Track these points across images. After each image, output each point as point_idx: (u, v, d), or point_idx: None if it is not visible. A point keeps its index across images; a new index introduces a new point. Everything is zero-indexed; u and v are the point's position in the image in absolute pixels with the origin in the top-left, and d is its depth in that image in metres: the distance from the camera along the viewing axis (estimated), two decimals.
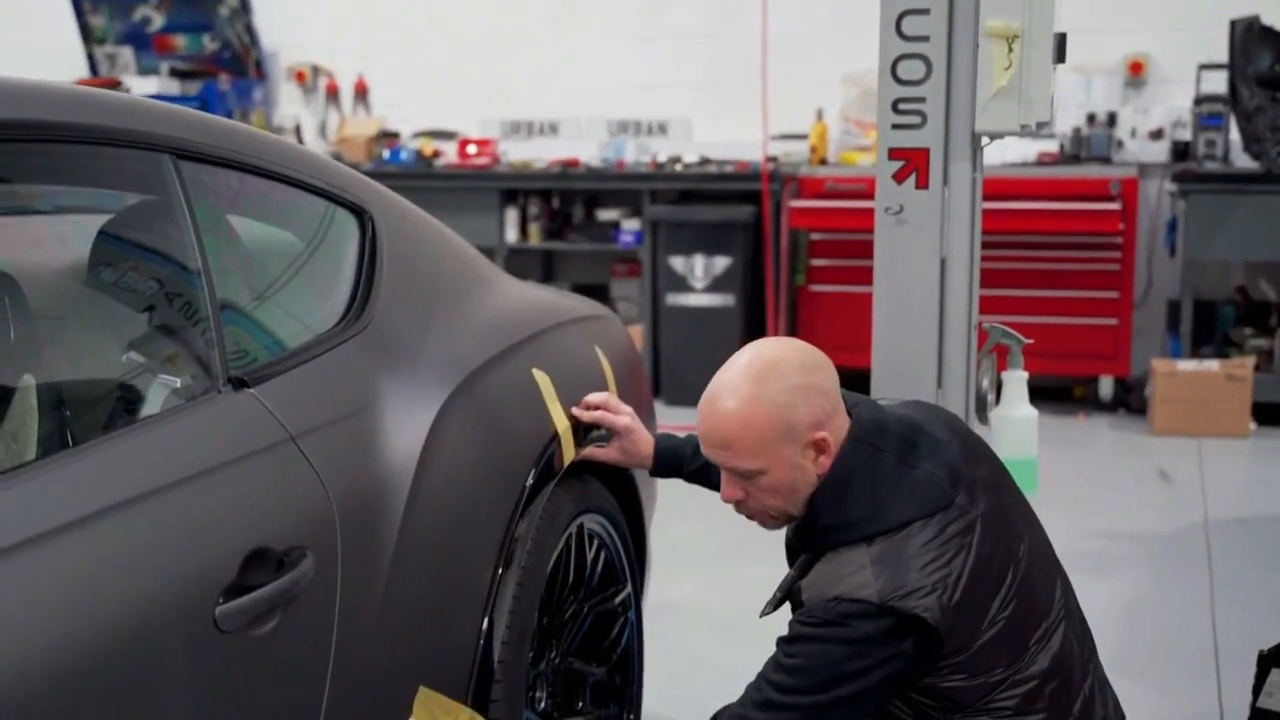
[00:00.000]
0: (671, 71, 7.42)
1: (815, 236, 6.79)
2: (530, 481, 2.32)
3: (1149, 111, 6.86)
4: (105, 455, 1.61)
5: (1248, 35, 5.97)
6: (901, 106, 2.72)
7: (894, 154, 2.75)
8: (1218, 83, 6.41)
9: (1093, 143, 6.76)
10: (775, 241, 6.82)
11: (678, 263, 6.81)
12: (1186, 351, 6.46)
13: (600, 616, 2.68)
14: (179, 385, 1.81)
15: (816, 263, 6.83)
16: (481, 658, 2.18)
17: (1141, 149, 6.84)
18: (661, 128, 7.56)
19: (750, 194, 6.84)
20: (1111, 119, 6.85)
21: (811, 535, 2.06)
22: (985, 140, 2.78)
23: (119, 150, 1.85)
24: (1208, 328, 6.62)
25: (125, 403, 1.83)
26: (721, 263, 6.77)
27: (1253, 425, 6.19)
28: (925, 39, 2.68)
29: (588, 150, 7.48)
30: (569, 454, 2.44)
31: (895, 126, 2.73)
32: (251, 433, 1.81)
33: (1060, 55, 2.70)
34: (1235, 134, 6.42)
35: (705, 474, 2.43)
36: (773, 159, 6.90)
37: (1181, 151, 6.71)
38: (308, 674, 1.80)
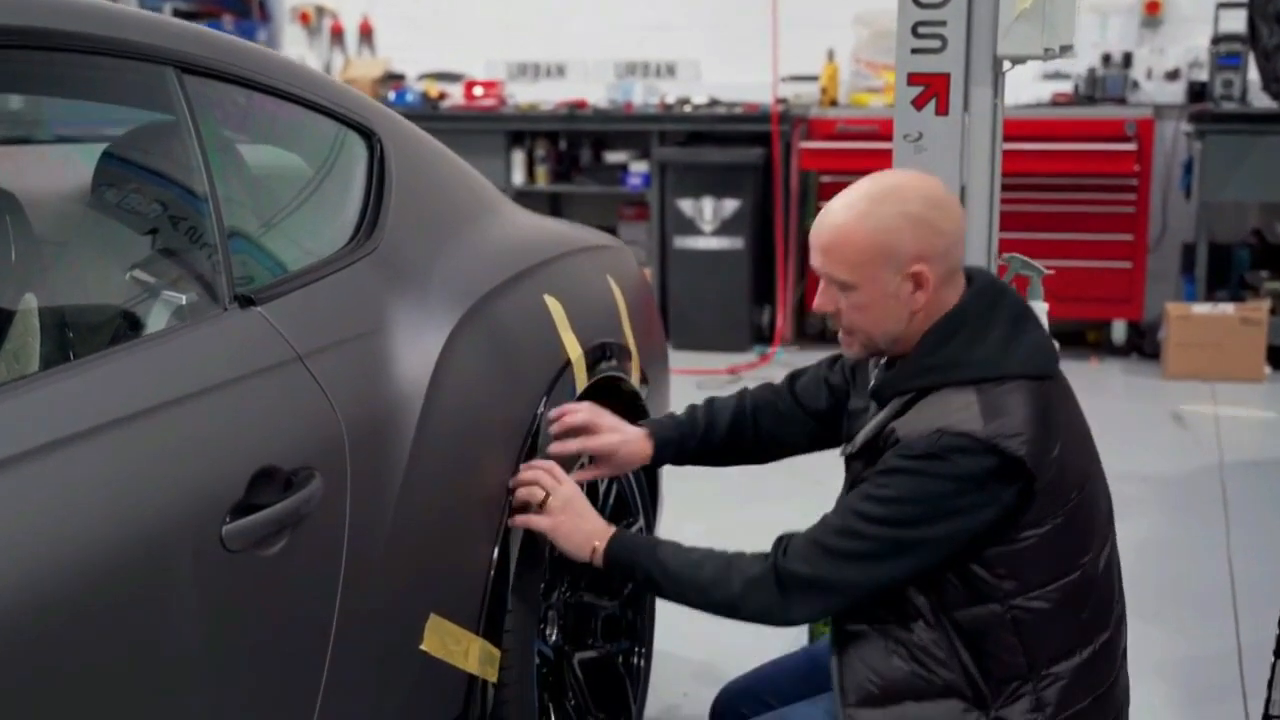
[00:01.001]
0: (680, 12, 7.33)
1: (825, 179, 6.72)
2: (542, 410, 2.28)
3: (1165, 51, 6.77)
4: (108, 369, 1.56)
5: None
6: (921, 30, 2.65)
7: (913, 79, 2.68)
8: (1236, 21, 6.32)
9: (1108, 84, 6.67)
10: (785, 184, 6.75)
11: (686, 205, 6.75)
12: (1201, 295, 6.40)
13: None
14: (184, 303, 1.76)
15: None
16: (493, 587, 2.14)
17: (1157, 90, 6.76)
18: (670, 70, 7.47)
19: (760, 136, 6.76)
20: (1127, 59, 6.76)
21: (915, 374, 2.00)
22: (1007, 65, 2.71)
23: (121, 62, 1.79)
24: (1222, 271, 6.55)
25: (129, 321, 1.78)
26: (731, 205, 6.70)
27: (1267, 369, 6.14)
28: None
29: (595, 92, 7.39)
30: (581, 382, 2.39)
31: (915, 51, 2.66)
32: (258, 351, 1.76)
33: None
34: (1253, 74, 6.34)
35: (709, 452, 2.39)
36: (783, 101, 6.82)
37: (1198, 92, 6.62)
38: (316, 596, 1.76)
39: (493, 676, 2.14)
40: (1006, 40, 2.61)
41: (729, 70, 7.22)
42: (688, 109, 7.00)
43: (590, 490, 2.53)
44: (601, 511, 2.58)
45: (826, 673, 2.33)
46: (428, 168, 2.40)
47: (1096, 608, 2.03)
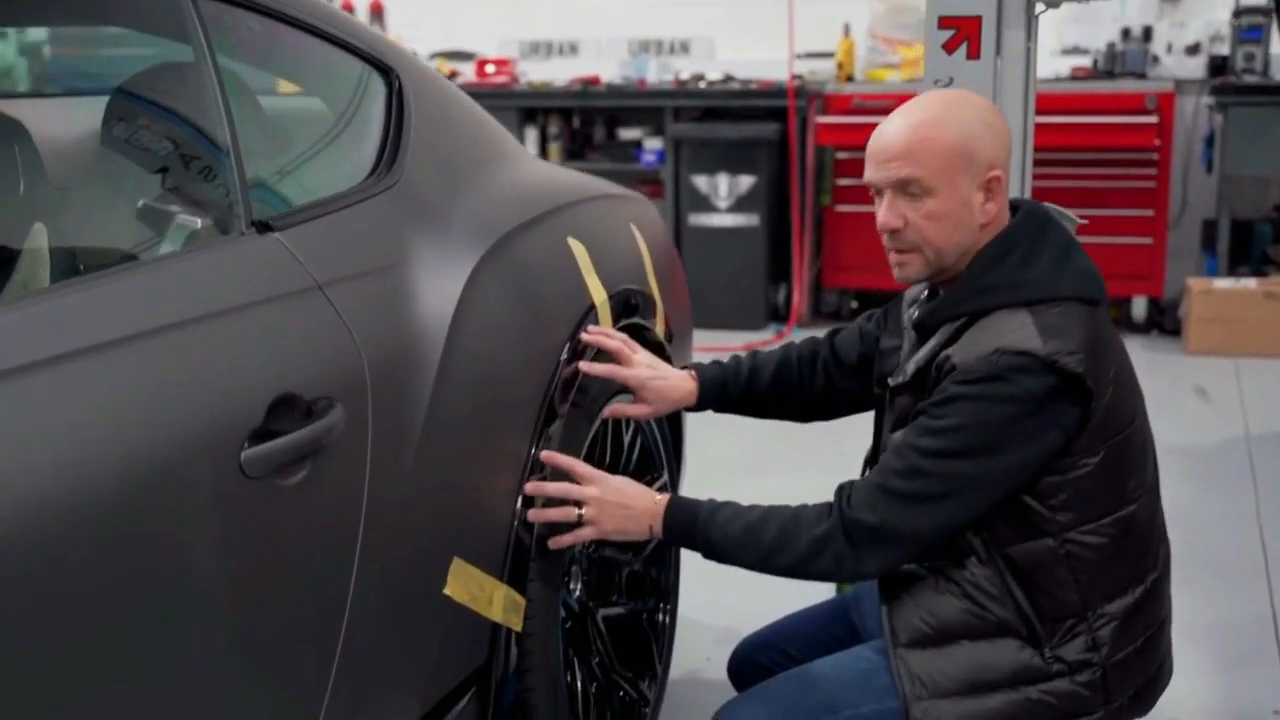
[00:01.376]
0: None
1: (841, 155, 6.64)
2: (565, 355, 2.21)
3: (1185, 25, 6.68)
4: (123, 285, 1.50)
5: None
6: None
7: (944, 22, 2.62)
8: None
9: (1127, 58, 6.58)
10: (801, 160, 6.67)
11: (701, 182, 6.67)
12: (1223, 271, 6.31)
13: None
14: (198, 227, 1.69)
15: (842, 182, 6.68)
16: (516, 535, 2.08)
17: (1177, 64, 6.66)
18: (683, 47, 7.39)
19: (775, 111, 6.68)
20: (1147, 34, 6.67)
21: (967, 296, 1.94)
22: (1040, 7, 2.64)
23: None
24: (1244, 247, 6.47)
25: (142, 247, 1.72)
26: (746, 182, 6.62)
27: None
28: None
29: (608, 70, 7.32)
30: (606, 324, 2.33)
31: None
32: (276, 277, 1.69)
33: None
34: (1275, 48, 6.26)
35: (752, 399, 2.31)
36: (798, 77, 6.74)
37: (1219, 67, 6.53)
38: (338, 532, 1.70)
39: (517, 625, 2.08)
40: None
41: (743, 47, 7.14)
42: (702, 85, 6.92)
43: (614, 441, 2.47)
44: (625, 465, 2.53)
45: (848, 623, 2.28)
46: (446, 109, 2.33)
47: (1147, 544, 1.98)
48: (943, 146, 1.92)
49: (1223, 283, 6.12)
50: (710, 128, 6.74)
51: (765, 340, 6.45)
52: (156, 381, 1.45)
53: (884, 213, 1.97)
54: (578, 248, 2.33)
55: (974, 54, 2.60)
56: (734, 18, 7.19)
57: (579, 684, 2.37)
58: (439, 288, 1.97)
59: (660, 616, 2.64)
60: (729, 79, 6.95)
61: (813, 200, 6.68)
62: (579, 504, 2.06)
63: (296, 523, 1.62)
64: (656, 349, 2.59)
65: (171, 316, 1.50)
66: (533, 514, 2.07)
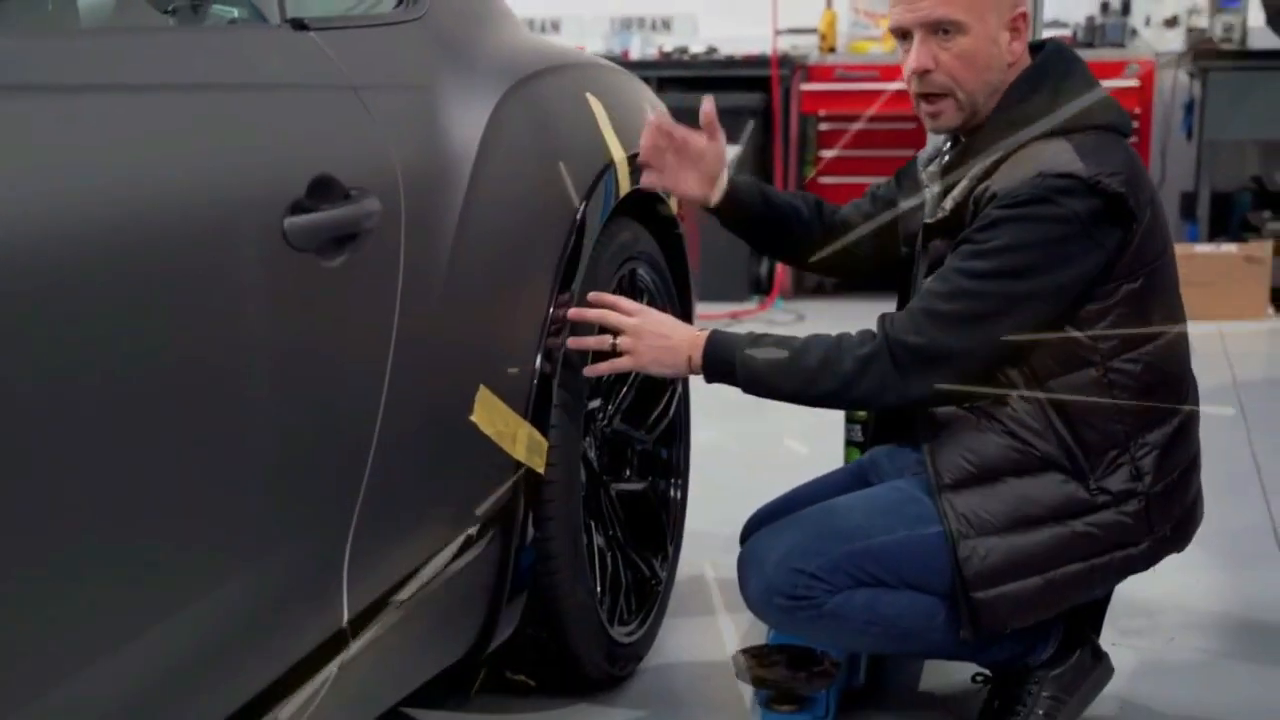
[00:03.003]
0: None
1: (824, 126, 6.67)
2: (583, 208, 2.20)
3: None
4: (171, 39, 1.49)
5: None
6: None
7: None
8: None
9: (1106, 30, 6.64)
10: (785, 131, 6.70)
11: None
12: (1204, 238, 6.37)
13: (647, 386, 2.57)
14: (235, 16, 1.68)
15: (825, 154, 6.71)
16: (540, 378, 2.07)
17: (1156, 37, 6.74)
18: (665, 24, 7.42)
19: (759, 82, 6.70)
20: (1125, 6, 6.74)
21: (1004, 126, 1.95)
22: None
23: None
24: (1223, 218, 6.53)
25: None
26: (731, 152, 6.61)
27: (1270, 310, 6.10)
28: None
29: (592, 45, 7.32)
30: (625, 185, 2.32)
31: None
32: (313, 69, 1.68)
33: None
34: (1252, 19, 6.33)
35: (770, 219, 2.29)
36: (782, 53, 6.77)
37: (1197, 39, 6.60)
38: (375, 329, 1.68)
39: (540, 466, 2.06)
40: None
41: (726, 23, 7.16)
42: (686, 58, 6.94)
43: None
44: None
45: (866, 485, 2.26)
46: None
47: (1183, 375, 2.00)
48: None
49: (1203, 247, 6.16)
50: (695, 98, 6.73)
51: (749, 310, 6.46)
52: (203, 134, 1.43)
53: (915, 55, 1.98)
54: (596, 105, 2.33)
55: None
56: None
57: (595, 552, 2.35)
58: (466, 116, 1.96)
59: (672, 493, 2.63)
60: (713, 51, 6.97)
61: (796, 171, 6.70)
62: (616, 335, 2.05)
63: (336, 309, 1.60)
64: (669, 224, 2.59)
65: (217, 78, 1.49)
66: (572, 341, 2.05)
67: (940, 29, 1.95)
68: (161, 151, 1.36)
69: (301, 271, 1.52)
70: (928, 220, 2.05)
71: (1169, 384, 1.97)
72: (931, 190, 2.10)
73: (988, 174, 1.94)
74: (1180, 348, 1.99)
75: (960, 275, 1.89)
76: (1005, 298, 1.87)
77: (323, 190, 1.57)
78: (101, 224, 1.25)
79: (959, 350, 1.89)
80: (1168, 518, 1.97)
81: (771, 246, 2.36)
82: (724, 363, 2.00)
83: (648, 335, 2.04)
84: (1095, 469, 1.92)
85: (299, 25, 1.71)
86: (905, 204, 2.23)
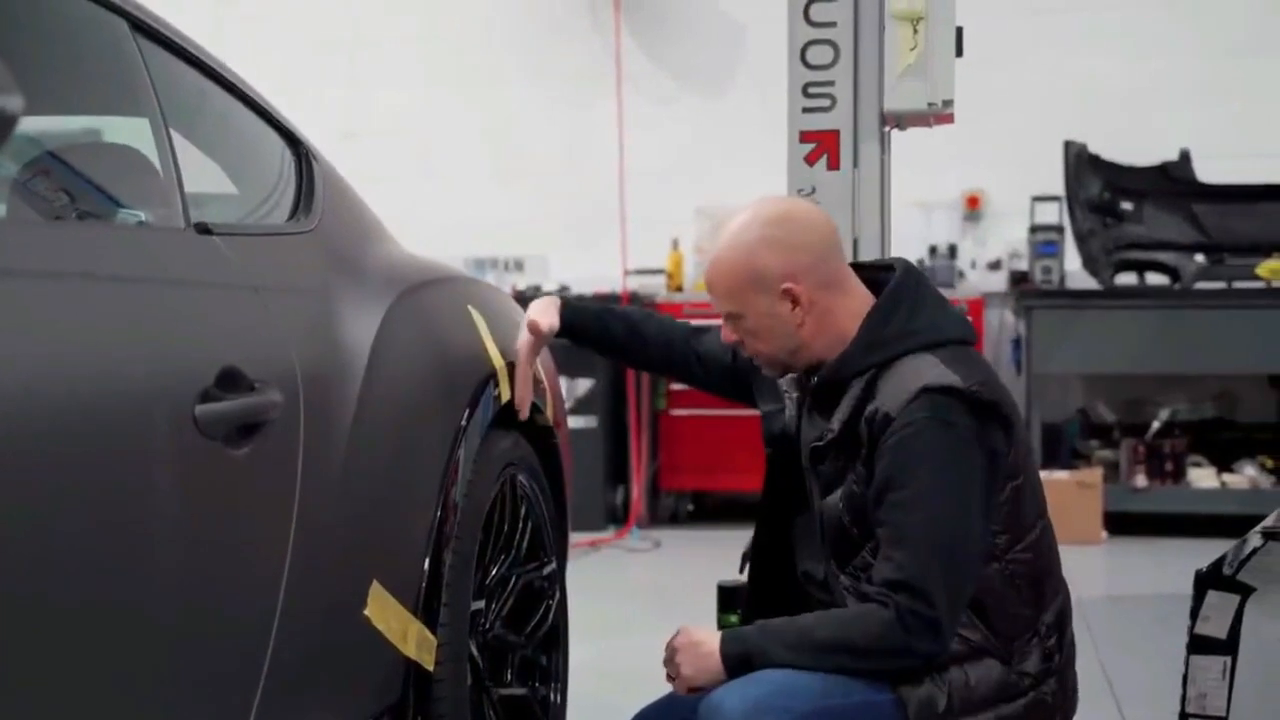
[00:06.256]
0: (528, 210, 7.55)
1: None
2: (467, 415, 2.27)
3: (986, 243, 7.20)
4: (89, 232, 1.55)
5: (1079, 162, 6.39)
6: (811, 90, 2.83)
7: (805, 137, 2.85)
8: (1050, 213, 6.79)
9: (936, 273, 7.03)
10: None
11: None
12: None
13: (527, 592, 2.60)
14: (143, 219, 1.75)
15: (676, 387, 6.90)
16: (429, 575, 2.10)
17: (981, 279, 7.16)
18: (518, 264, 7.64)
19: None
20: (952, 250, 7.17)
21: (869, 350, 2.05)
22: (890, 127, 2.90)
23: None
24: (1054, 448, 6.84)
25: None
26: (584, 384, 6.79)
27: (1104, 534, 6.37)
28: (833, 25, 2.82)
29: None
30: (505, 393, 2.41)
31: (805, 110, 2.84)
32: (218, 269, 1.75)
33: (959, 48, 2.85)
34: (1069, 263, 6.79)
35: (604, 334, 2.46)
36: (631, 291, 7.02)
37: (1019, 280, 7.04)
38: (275, 514, 1.72)
39: (429, 663, 2.08)
40: (893, 95, 2.80)
41: (578, 264, 7.42)
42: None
43: (511, 512, 2.51)
44: (518, 543, 2.56)
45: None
46: (341, 185, 2.44)
47: (1055, 550, 2.11)
48: (730, 277, 2.09)
49: None
50: None
51: (605, 538, 6.51)
52: (122, 321, 1.49)
53: (722, 332, 2.19)
54: (477, 316, 2.42)
55: (834, 165, 2.83)
56: (566, 237, 7.49)
57: None
58: (358, 320, 2.05)
59: (552, 697, 2.64)
60: (565, 289, 7.19)
61: (649, 403, 6.87)
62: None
63: (241, 492, 1.64)
64: (546, 432, 2.67)
65: (135, 271, 1.55)
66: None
67: (727, 315, 2.13)
68: (81, 339, 1.41)
69: (210, 460, 1.56)
70: (816, 444, 2.12)
71: (1052, 568, 2.08)
72: (791, 396, 2.22)
73: (866, 393, 2.06)
74: (1050, 531, 2.11)
75: (917, 536, 1.95)
76: (961, 523, 1.96)
77: (230, 381, 1.63)
78: (27, 406, 1.29)
79: (963, 564, 1.97)
80: (1073, 690, 2.10)
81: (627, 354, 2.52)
82: (740, 655, 2.00)
83: (686, 654, 2.04)
84: (1014, 655, 2.01)
85: (203, 229, 1.79)
86: (764, 405, 2.33)
